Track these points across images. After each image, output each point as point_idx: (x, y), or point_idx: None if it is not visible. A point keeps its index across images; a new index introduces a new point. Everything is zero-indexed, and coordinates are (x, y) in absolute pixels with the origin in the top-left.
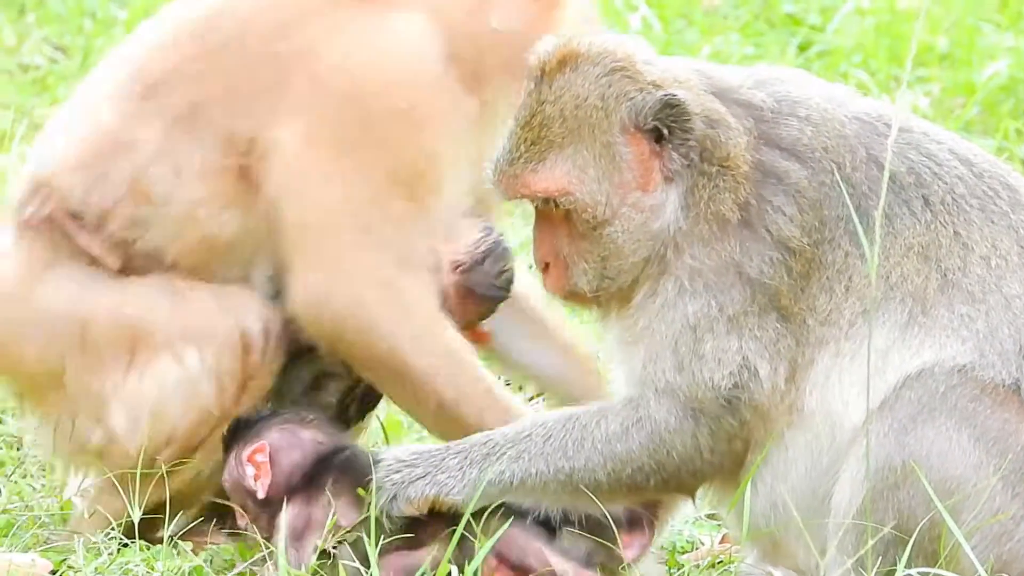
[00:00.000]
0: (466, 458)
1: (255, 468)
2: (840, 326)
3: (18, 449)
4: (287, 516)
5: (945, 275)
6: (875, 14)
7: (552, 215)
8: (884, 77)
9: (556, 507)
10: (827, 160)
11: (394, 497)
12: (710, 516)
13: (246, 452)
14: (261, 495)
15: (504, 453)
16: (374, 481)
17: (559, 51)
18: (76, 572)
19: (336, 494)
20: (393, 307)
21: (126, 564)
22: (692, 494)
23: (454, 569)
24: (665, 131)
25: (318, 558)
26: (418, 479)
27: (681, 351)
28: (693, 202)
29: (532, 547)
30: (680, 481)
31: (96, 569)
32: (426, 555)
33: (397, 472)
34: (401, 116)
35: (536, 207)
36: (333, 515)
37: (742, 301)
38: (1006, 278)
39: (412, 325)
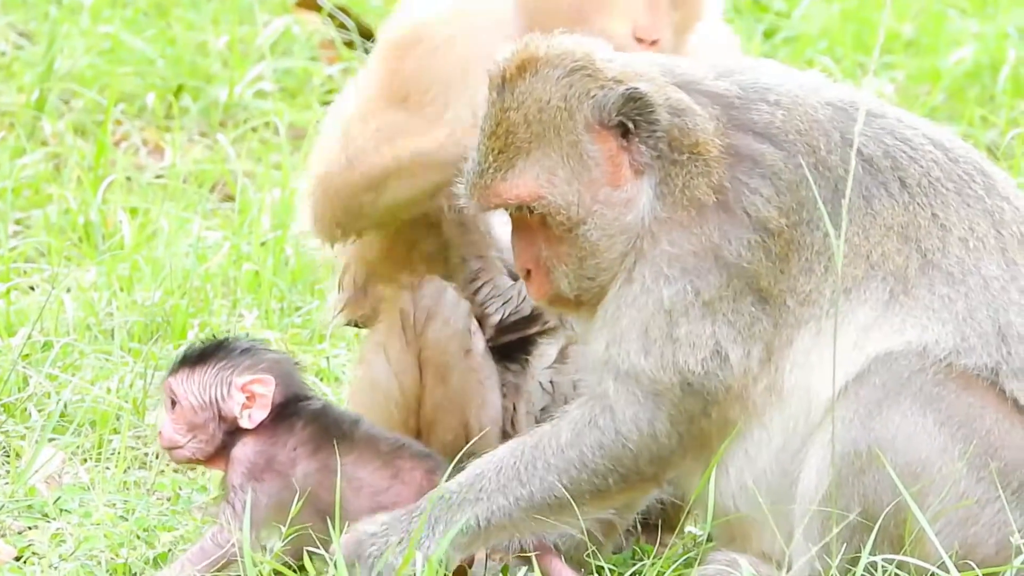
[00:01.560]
0: (431, 517)
1: (247, 397)
2: (820, 305)
3: None
4: (248, 452)
5: (925, 255)
6: (841, 1)
7: (528, 221)
8: (850, 64)
9: (534, 534)
10: (801, 143)
11: (380, 571)
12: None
13: (240, 378)
14: (246, 426)
15: (463, 499)
16: (360, 563)
17: (518, 57)
18: (40, 558)
19: (303, 441)
20: None
21: (91, 551)
22: (658, 482)
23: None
24: (631, 125)
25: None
26: (395, 546)
27: (652, 335)
28: (668, 191)
29: None
30: (640, 472)
31: (60, 556)
32: None
33: (373, 546)
34: None
35: (511, 215)
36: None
37: (718, 286)
38: (984, 260)
39: None
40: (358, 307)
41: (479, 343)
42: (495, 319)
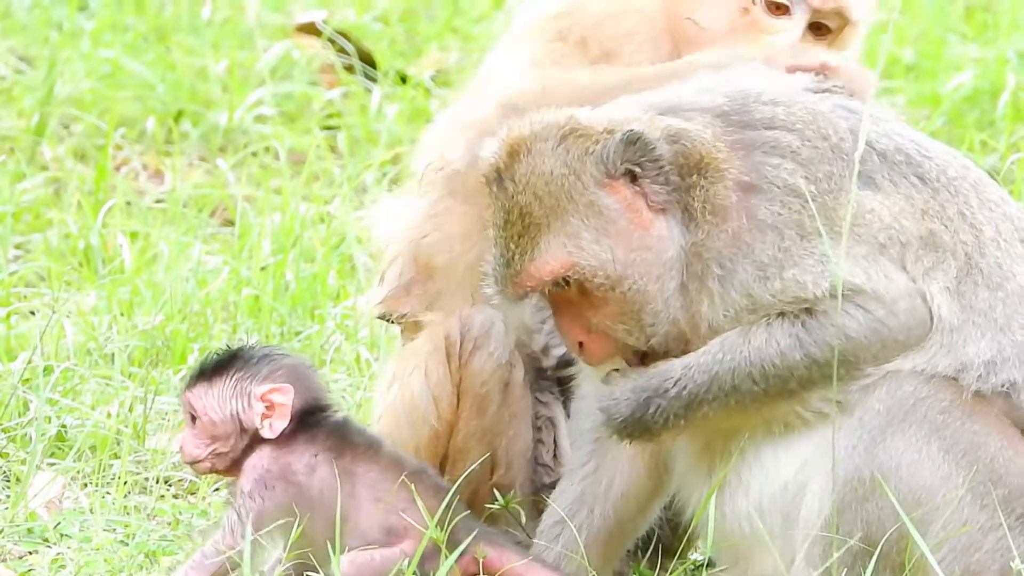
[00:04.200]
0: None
1: (266, 406)
2: None
3: None
4: (263, 460)
5: (966, 249)
6: None
7: (567, 295)
8: None
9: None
10: (810, 130)
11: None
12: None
13: (259, 388)
14: (267, 436)
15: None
16: (608, 412)
17: (506, 145)
18: None
19: (326, 448)
20: None
21: (90, 575)
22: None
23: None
24: (637, 169)
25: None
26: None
27: (759, 308)
28: (692, 217)
29: (510, 555)
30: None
31: None
32: (398, 556)
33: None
34: None
35: (547, 295)
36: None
37: (775, 245)
38: (1016, 265)
39: None
40: (398, 304)
41: (518, 376)
42: (558, 352)
